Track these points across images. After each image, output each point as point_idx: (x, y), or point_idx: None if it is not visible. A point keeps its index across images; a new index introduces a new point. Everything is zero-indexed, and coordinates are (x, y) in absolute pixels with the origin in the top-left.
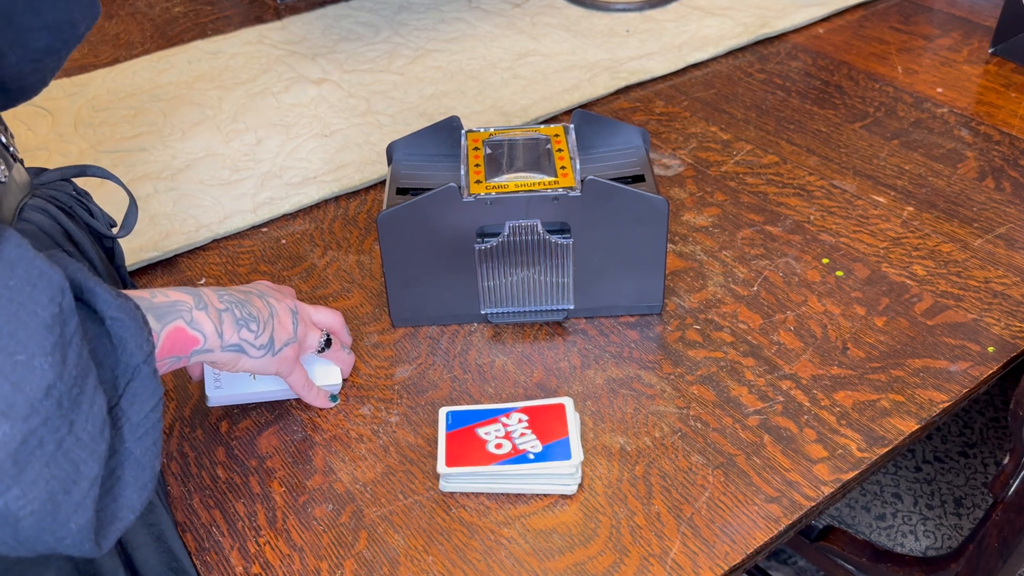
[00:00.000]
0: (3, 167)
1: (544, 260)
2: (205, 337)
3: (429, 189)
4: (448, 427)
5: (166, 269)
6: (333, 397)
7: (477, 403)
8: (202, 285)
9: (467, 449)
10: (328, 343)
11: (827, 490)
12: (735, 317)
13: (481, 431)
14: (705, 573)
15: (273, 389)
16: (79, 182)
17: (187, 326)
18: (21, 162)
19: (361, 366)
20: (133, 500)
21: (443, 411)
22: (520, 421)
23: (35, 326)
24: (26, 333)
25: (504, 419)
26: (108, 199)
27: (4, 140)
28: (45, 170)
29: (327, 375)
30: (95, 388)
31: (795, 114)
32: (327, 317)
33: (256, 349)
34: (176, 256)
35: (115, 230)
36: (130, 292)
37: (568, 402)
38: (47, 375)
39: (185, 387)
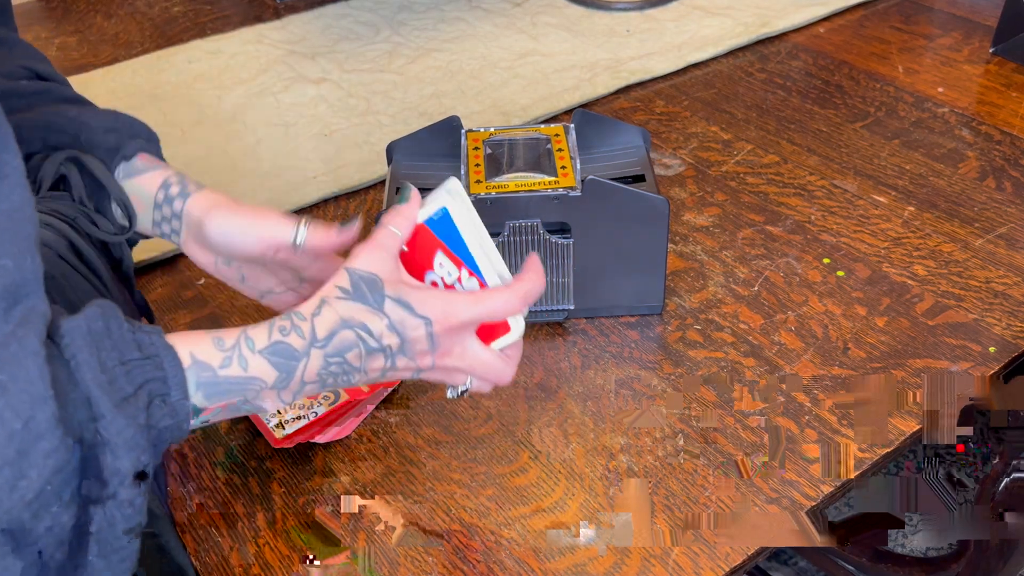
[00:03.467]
0: None
1: (544, 260)
2: (265, 411)
3: (429, 189)
4: (430, 219)
5: (165, 269)
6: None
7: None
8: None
9: (415, 256)
10: (466, 391)
11: (827, 490)
12: (736, 317)
13: (439, 258)
14: (706, 574)
15: None
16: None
17: (243, 403)
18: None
19: None
20: None
21: (442, 201)
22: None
23: None
24: None
25: (466, 272)
26: None
27: None
28: (43, 160)
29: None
30: (64, 508)
31: (796, 114)
32: (483, 370)
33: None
34: (176, 256)
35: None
36: (203, 351)
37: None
38: None
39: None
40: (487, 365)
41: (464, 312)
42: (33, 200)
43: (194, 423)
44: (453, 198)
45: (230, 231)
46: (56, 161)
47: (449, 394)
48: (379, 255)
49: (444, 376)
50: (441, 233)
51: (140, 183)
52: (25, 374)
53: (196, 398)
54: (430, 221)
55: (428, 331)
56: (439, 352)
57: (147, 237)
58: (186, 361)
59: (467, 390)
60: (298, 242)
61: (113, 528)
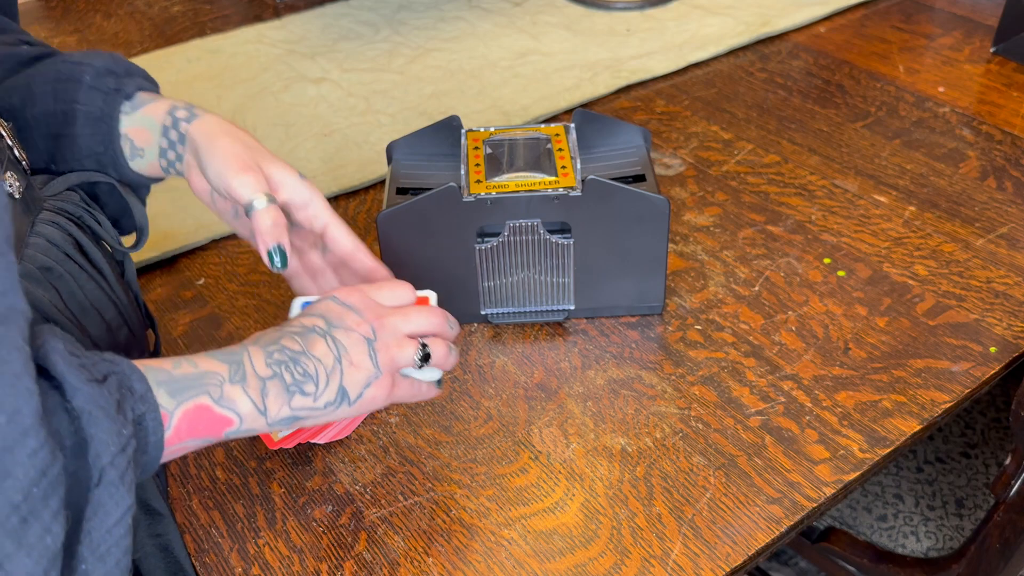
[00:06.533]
0: (16, 183)
1: (544, 260)
2: (241, 418)
3: (429, 189)
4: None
5: (166, 269)
6: (439, 383)
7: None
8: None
9: None
10: (427, 357)
11: (828, 491)
12: (736, 317)
13: None
14: (706, 574)
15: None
16: None
17: (214, 404)
18: (33, 176)
19: None
20: None
21: (297, 301)
22: None
23: None
24: None
25: None
26: None
27: (17, 154)
28: (52, 179)
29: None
30: (54, 517)
31: (796, 113)
32: (423, 322)
33: (321, 410)
34: (175, 256)
35: (127, 240)
36: (151, 362)
37: (433, 296)
38: None
39: None
40: (427, 311)
41: (362, 287)
42: (6, 203)
43: (175, 447)
44: None
45: (211, 170)
46: (83, 176)
47: (418, 375)
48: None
49: (397, 349)
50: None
51: (145, 113)
52: (10, 368)
53: (160, 395)
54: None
55: (339, 303)
56: (368, 315)
57: (158, 180)
58: (140, 367)
59: (427, 354)
60: (248, 214)
61: (106, 519)
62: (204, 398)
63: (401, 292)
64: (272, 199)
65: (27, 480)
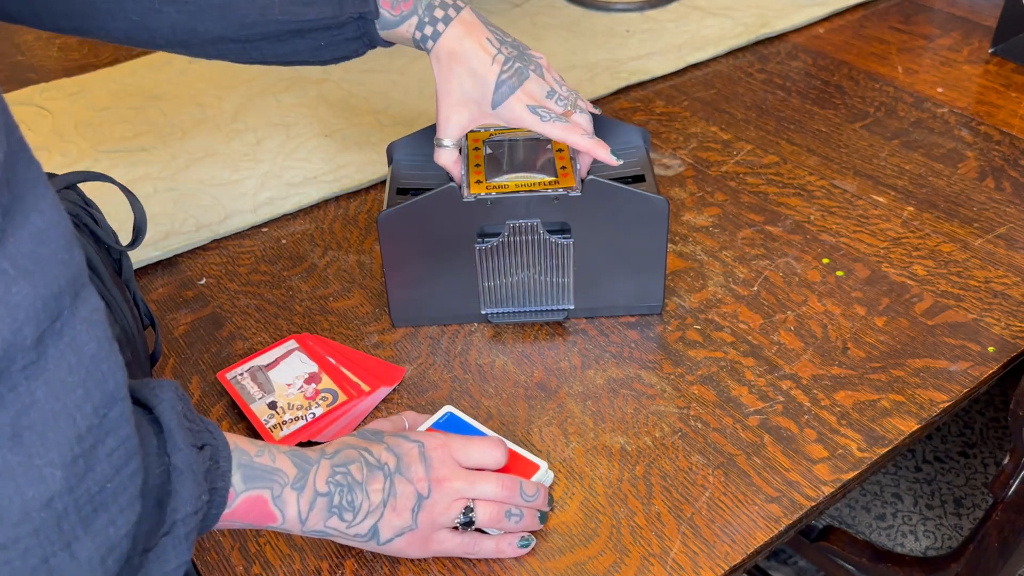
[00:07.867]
0: None
1: (544, 260)
2: (284, 519)
3: (429, 189)
4: (438, 423)
5: (166, 269)
6: (522, 543)
7: (478, 405)
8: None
9: None
10: (469, 523)
11: (827, 490)
12: (735, 317)
13: None
14: (705, 573)
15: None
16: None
17: (270, 501)
18: None
19: None
20: None
21: (446, 408)
22: None
23: (66, 432)
24: (55, 437)
25: None
26: (108, 199)
27: None
28: (51, 176)
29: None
30: (120, 511)
31: (795, 114)
32: (488, 489)
33: (350, 538)
34: (176, 256)
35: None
36: (240, 441)
37: (543, 467)
38: (53, 486)
39: (185, 385)
40: (497, 480)
41: (454, 440)
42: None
43: (225, 523)
44: (452, 407)
45: (438, 92)
46: (83, 175)
47: (521, 548)
48: (386, 424)
49: (443, 510)
50: (448, 429)
51: (390, 36)
52: (97, 368)
53: (235, 477)
54: (437, 424)
55: (420, 451)
56: (434, 474)
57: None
58: (230, 444)
59: (470, 519)
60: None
61: (165, 565)
62: (266, 492)
63: (491, 453)
64: (457, 143)
65: (103, 475)
